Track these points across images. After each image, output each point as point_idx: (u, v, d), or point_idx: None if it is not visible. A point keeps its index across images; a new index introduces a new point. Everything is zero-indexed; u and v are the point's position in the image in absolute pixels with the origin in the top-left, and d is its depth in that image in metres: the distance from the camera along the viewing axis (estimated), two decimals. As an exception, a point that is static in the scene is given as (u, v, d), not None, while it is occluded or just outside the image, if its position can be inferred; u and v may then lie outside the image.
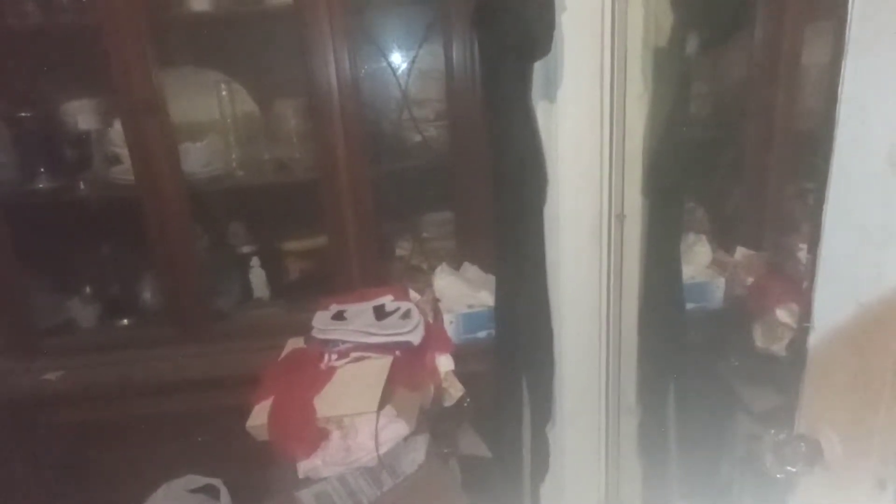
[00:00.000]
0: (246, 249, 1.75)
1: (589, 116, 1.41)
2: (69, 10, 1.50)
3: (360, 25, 1.61)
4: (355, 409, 1.23)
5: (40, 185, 1.57)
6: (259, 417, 1.29)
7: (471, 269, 1.70)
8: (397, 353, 1.32)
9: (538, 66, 1.35)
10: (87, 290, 1.72)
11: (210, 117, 1.64)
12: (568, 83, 1.39)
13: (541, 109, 1.39)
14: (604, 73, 1.39)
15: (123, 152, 1.56)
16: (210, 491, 1.58)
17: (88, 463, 1.60)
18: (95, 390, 1.57)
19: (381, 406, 1.22)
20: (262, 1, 1.55)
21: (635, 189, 1.45)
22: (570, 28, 1.34)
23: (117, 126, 1.55)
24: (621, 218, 1.45)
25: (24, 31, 1.52)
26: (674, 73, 1.35)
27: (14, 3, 1.49)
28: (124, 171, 1.58)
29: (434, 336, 1.43)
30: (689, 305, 1.52)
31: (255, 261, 1.74)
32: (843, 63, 0.66)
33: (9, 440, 1.56)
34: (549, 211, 1.41)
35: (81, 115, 1.63)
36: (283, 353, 1.47)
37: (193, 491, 1.57)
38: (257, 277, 1.75)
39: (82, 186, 1.60)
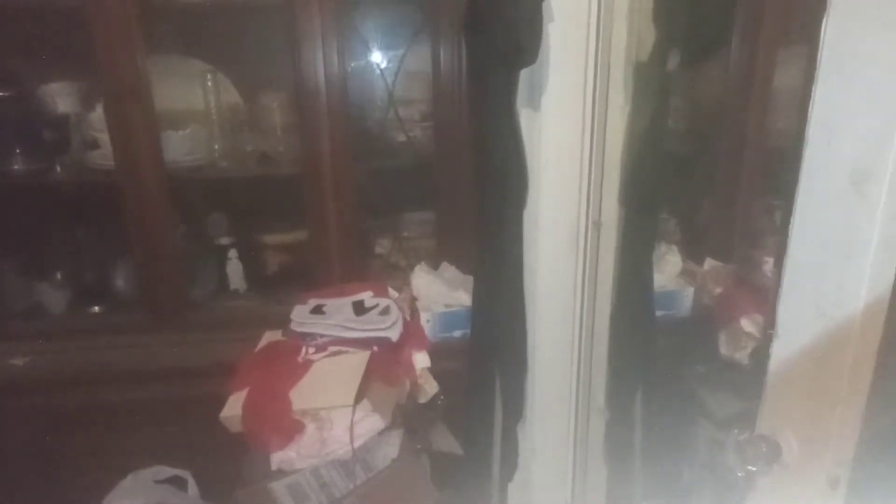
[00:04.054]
0: (224, 241, 1.74)
1: (571, 125, 1.45)
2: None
3: (349, 23, 1.62)
4: (331, 402, 1.24)
5: (15, 167, 1.54)
6: (233, 408, 1.29)
7: (449, 270, 1.73)
8: (375, 348, 1.34)
9: (524, 74, 1.38)
10: (58, 274, 1.68)
11: (194, 106, 1.63)
12: (552, 92, 1.42)
13: (525, 116, 1.43)
14: (587, 84, 1.43)
15: (103, 137, 1.54)
16: (178, 482, 1.57)
17: (53, 450, 1.57)
18: (63, 376, 1.54)
19: (357, 400, 1.23)
20: (252, -7, 1.56)
21: (613, 198, 1.50)
22: (556, 38, 1.38)
23: (98, 110, 1.53)
24: (598, 225, 1.50)
25: (6, 8, 1.49)
26: (653, 88, 1.40)
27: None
28: (103, 157, 1.56)
29: (411, 333, 1.45)
30: (659, 312, 1.57)
31: (233, 252, 1.74)
32: (814, 86, 0.71)
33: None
34: (528, 215, 1.45)
35: (61, 97, 1.61)
36: (259, 346, 1.47)
37: (161, 482, 1.56)
38: (234, 269, 1.75)
39: (59, 170, 1.57)
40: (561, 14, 1.36)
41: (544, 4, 1.30)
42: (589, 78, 1.44)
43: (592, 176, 1.48)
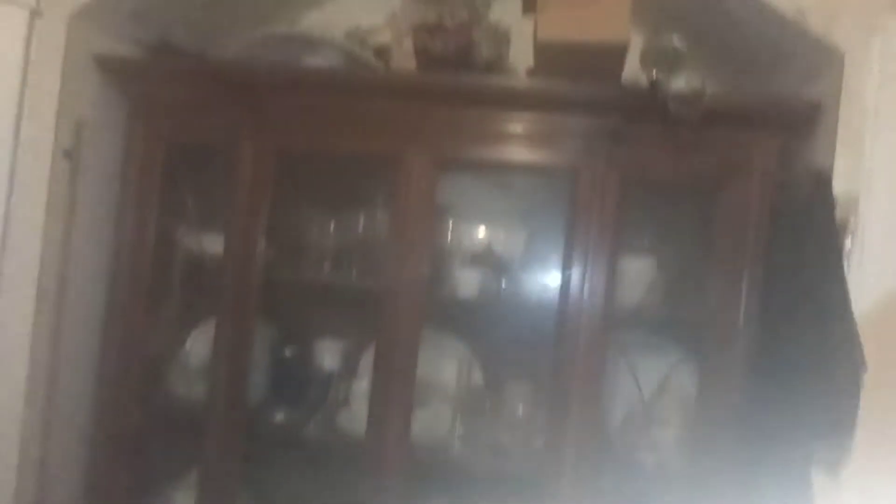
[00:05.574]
0: (440, 523, 1.67)
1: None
2: (356, 275, 1.68)
3: (610, 338, 1.60)
4: None
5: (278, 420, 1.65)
6: None
7: None
8: None
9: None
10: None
11: (444, 384, 1.68)
12: (857, 469, 1.25)
13: (820, 482, 1.26)
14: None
15: (358, 403, 1.60)
16: None
17: None
18: None
19: None
20: (523, 293, 1.64)
21: None
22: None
23: (363, 379, 1.62)
24: None
25: (319, 283, 1.72)
26: None
27: (313, 262, 1.69)
28: (351, 420, 1.61)
29: None
30: None
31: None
32: None
33: None
34: None
35: (330, 353, 1.74)
36: None
37: None
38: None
39: (312, 426, 1.65)
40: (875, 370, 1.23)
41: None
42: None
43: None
